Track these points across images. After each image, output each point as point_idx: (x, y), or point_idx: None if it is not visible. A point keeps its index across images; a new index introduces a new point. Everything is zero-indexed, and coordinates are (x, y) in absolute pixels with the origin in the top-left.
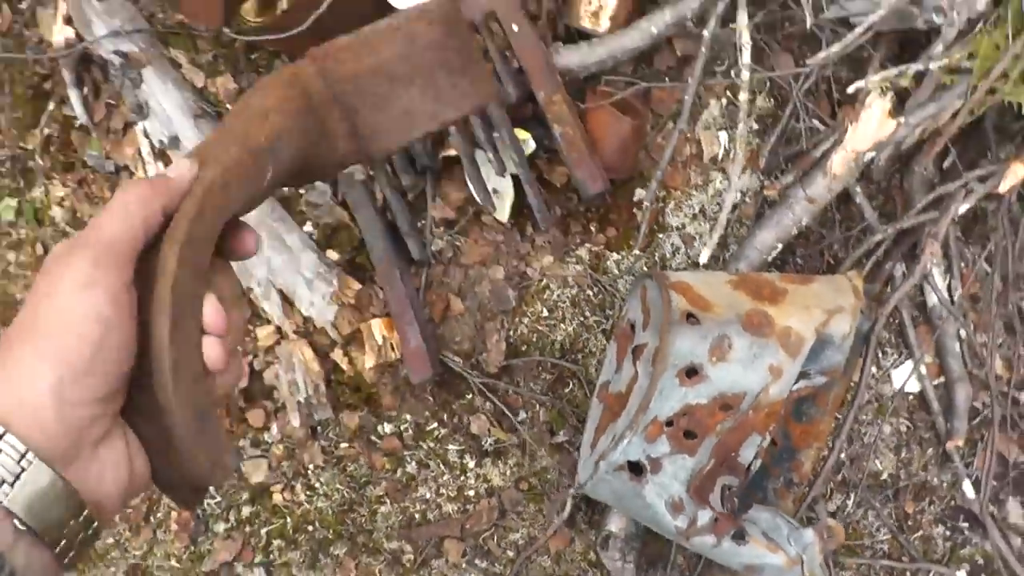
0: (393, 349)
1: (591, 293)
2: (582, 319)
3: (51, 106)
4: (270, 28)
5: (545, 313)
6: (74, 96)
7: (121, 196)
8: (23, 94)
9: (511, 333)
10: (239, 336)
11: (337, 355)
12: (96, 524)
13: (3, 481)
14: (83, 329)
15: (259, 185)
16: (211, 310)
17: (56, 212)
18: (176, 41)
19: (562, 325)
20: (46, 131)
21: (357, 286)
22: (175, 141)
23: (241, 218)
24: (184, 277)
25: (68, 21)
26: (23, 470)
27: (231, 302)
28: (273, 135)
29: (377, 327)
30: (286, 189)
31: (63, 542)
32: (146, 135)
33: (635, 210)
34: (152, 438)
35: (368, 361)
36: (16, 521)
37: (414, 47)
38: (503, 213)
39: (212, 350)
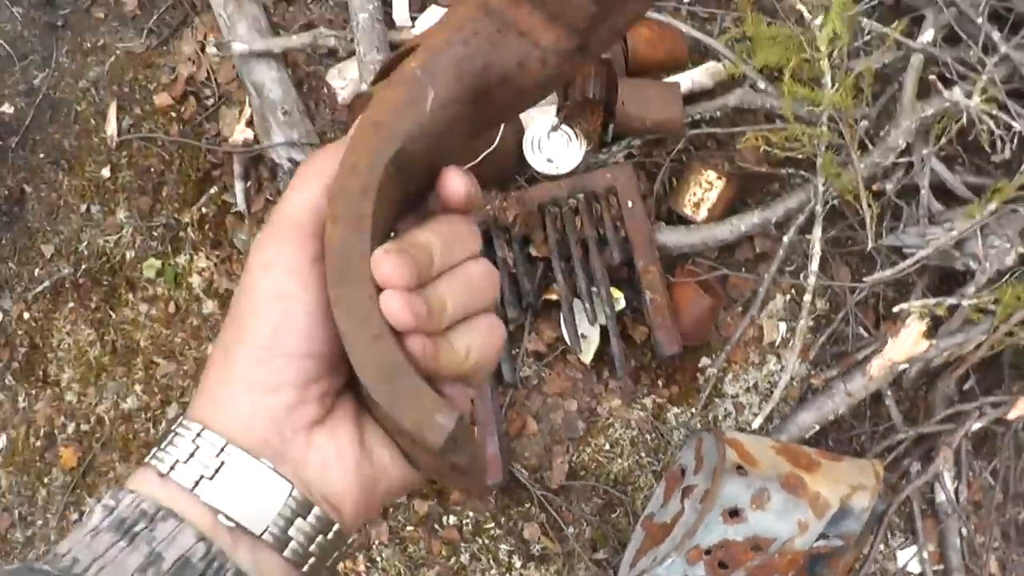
0: None
1: (649, 437)
2: (637, 458)
3: (213, 190)
4: None
5: (606, 447)
6: (239, 187)
7: (299, 169)
8: (190, 175)
9: (574, 458)
10: (472, 291)
11: None
12: (337, 527)
13: (202, 476)
14: (262, 308)
15: (419, 112)
16: (375, 263)
17: (195, 279)
18: None
19: (619, 460)
20: (203, 210)
21: None
22: None
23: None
24: (341, 234)
25: (249, 123)
26: (223, 463)
27: (446, 255)
28: (426, 56)
29: None
30: None
31: (292, 544)
32: None
33: (698, 374)
34: (385, 423)
35: None
36: (223, 517)
37: None
38: (587, 356)
39: (388, 304)
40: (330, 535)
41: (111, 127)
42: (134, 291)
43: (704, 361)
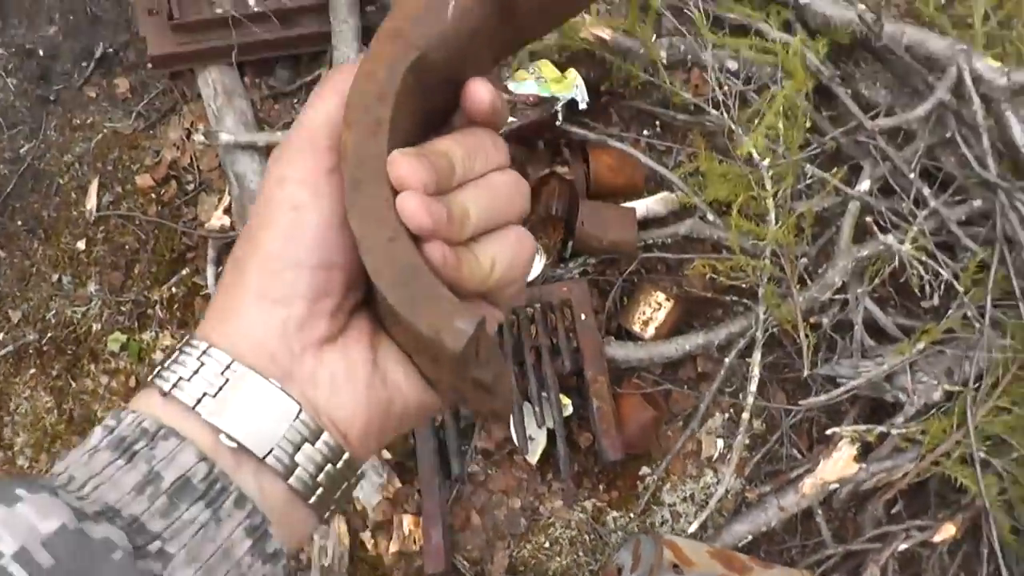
0: (415, 542)
1: (588, 538)
2: (575, 557)
3: (185, 271)
4: None
5: (547, 545)
6: (210, 272)
7: (316, 88)
8: (164, 255)
9: (514, 553)
10: (498, 201)
11: (366, 536)
12: (347, 456)
13: (204, 394)
14: (275, 219)
15: (439, 20)
16: (391, 164)
17: (158, 356)
18: None
19: (558, 558)
20: (173, 290)
21: (399, 484)
22: None
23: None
24: (356, 140)
25: (227, 211)
26: (227, 381)
27: (468, 164)
28: None
29: (407, 521)
30: None
31: (299, 472)
32: None
33: (638, 482)
34: (402, 339)
35: (392, 547)
36: (224, 437)
37: None
38: (533, 457)
39: (404, 204)
40: (339, 464)
41: (91, 202)
42: (96, 362)
43: (644, 470)
